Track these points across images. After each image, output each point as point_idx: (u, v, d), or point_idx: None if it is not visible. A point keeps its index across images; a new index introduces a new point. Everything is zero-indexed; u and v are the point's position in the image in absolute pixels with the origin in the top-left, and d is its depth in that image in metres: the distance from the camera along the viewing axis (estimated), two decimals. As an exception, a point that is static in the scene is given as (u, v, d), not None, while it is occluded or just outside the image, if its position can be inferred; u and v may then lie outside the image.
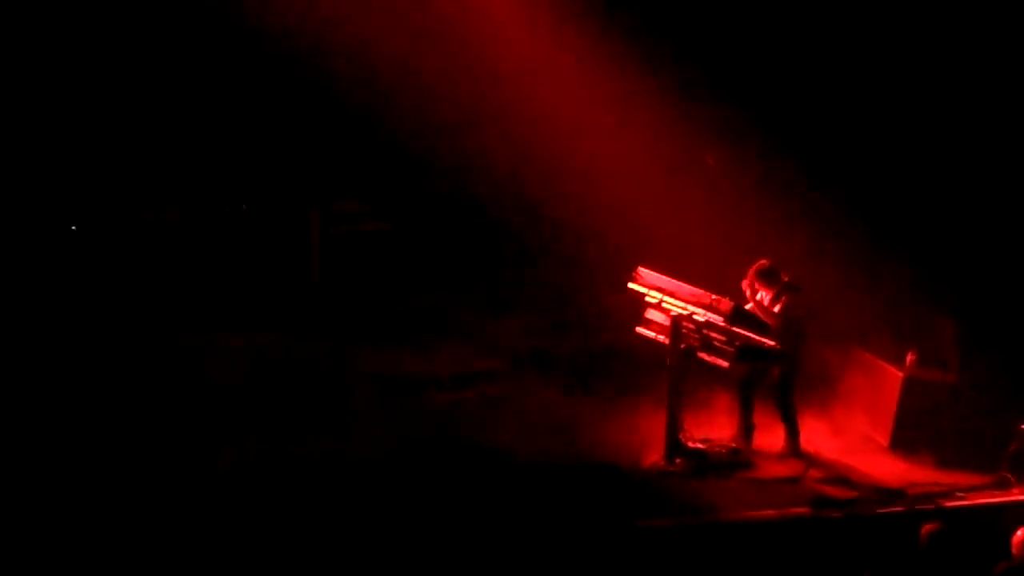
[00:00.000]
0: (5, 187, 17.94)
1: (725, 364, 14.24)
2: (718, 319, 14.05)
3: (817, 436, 15.23)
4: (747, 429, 14.97)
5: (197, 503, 13.01)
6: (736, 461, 14.63)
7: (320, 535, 12.59)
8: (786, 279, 14.71)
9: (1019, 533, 11.70)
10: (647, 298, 14.45)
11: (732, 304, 14.07)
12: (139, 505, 12.93)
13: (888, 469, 14.72)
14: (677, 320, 14.24)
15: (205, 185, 18.80)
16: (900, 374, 15.32)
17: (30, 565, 11.97)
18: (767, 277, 14.70)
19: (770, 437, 15.01)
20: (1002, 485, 14.42)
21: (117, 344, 16.72)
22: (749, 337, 14.09)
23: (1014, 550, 11.67)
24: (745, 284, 14.76)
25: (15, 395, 14.98)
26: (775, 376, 14.78)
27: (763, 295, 14.71)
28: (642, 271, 14.49)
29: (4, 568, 11.88)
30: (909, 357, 15.47)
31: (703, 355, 14.31)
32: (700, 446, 14.61)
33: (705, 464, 14.44)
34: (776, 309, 14.54)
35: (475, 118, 18.83)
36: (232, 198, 18.69)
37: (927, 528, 11.88)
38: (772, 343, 14.22)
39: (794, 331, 14.57)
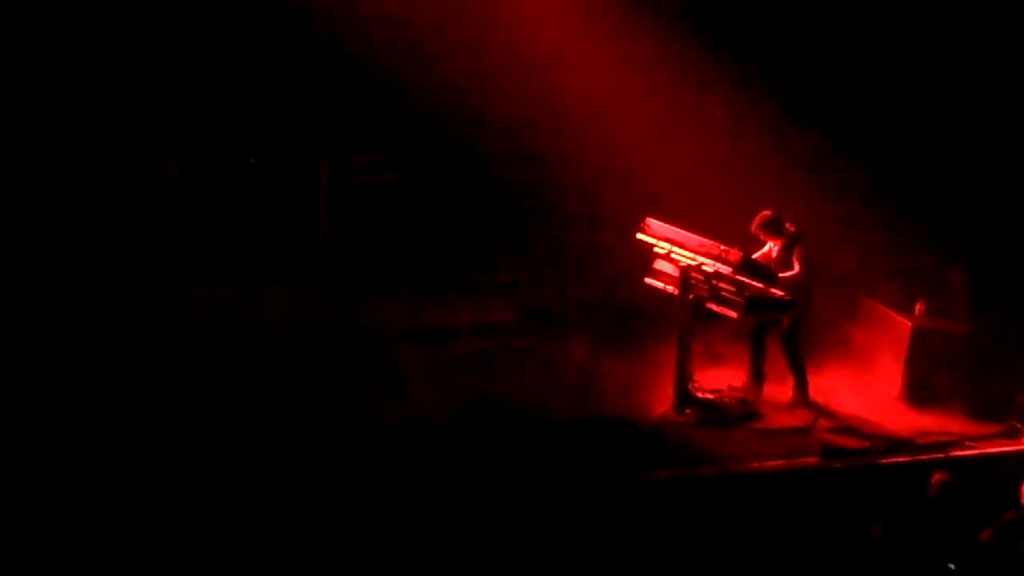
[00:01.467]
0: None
1: (734, 314, 14.25)
2: (727, 269, 14.05)
3: (826, 386, 15.24)
4: (757, 379, 14.99)
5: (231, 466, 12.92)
6: (745, 412, 14.65)
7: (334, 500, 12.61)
8: (792, 228, 14.68)
9: (1025, 486, 11.74)
10: (656, 249, 14.45)
11: (741, 254, 14.06)
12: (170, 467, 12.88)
13: (897, 419, 14.75)
14: (686, 271, 14.24)
15: (211, 137, 18.69)
16: (909, 324, 15.33)
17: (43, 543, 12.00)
18: (772, 227, 14.69)
19: (779, 387, 15.03)
20: (1011, 434, 14.45)
21: (124, 299, 16.68)
22: (757, 287, 14.07)
23: (1023, 499, 11.70)
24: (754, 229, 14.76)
25: (15, 355, 14.94)
26: (784, 326, 14.77)
27: (771, 246, 14.69)
28: (651, 222, 14.48)
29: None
30: (918, 307, 15.47)
31: (712, 306, 14.32)
32: (709, 396, 14.63)
33: (714, 415, 14.47)
34: (794, 262, 14.50)
35: (488, 69, 18.72)
36: (240, 150, 18.60)
37: (936, 477, 11.92)
38: (781, 293, 14.22)
39: (810, 279, 14.56)
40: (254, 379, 14.92)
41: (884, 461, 13.85)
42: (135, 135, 18.32)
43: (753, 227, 14.72)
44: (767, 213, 14.74)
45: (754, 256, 14.55)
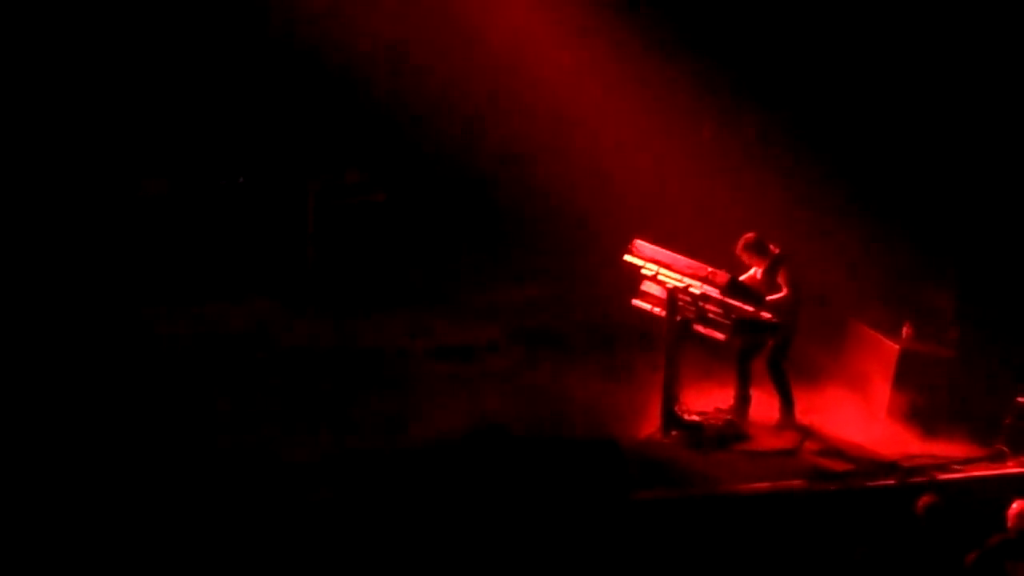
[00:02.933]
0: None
1: (721, 336, 14.25)
2: (714, 291, 14.05)
3: (813, 408, 15.24)
4: (743, 401, 14.97)
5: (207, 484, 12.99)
6: (732, 433, 14.63)
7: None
8: (776, 250, 14.68)
9: (1014, 506, 11.74)
10: (643, 270, 14.44)
11: (728, 276, 14.06)
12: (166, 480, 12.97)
13: (884, 442, 14.74)
14: (673, 292, 14.23)
15: (200, 157, 18.68)
16: (896, 347, 15.33)
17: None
18: (756, 249, 14.69)
19: (766, 409, 15.01)
20: (998, 458, 14.45)
21: (113, 319, 16.65)
22: (745, 309, 14.07)
23: (1009, 523, 11.70)
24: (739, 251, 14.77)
25: (5, 374, 14.91)
26: (770, 348, 14.77)
27: (756, 269, 14.69)
28: (639, 243, 14.48)
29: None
30: (905, 330, 15.47)
31: (699, 327, 14.31)
32: (696, 418, 14.62)
33: (701, 436, 14.45)
34: (781, 285, 14.51)
35: (475, 90, 18.75)
36: (228, 170, 18.59)
37: (923, 501, 11.93)
38: (768, 315, 14.23)
39: (795, 301, 14.56)
40: (242, 400, 14.89)
41: (870, 484, 13.84)
42: (124, 153, 18.31)
43: (737, 249, 14.73)
44: (750, 235, 14.74)
45: (740, 279, 14.55)
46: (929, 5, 17.52)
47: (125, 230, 17.86)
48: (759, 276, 14.65)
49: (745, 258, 14.73)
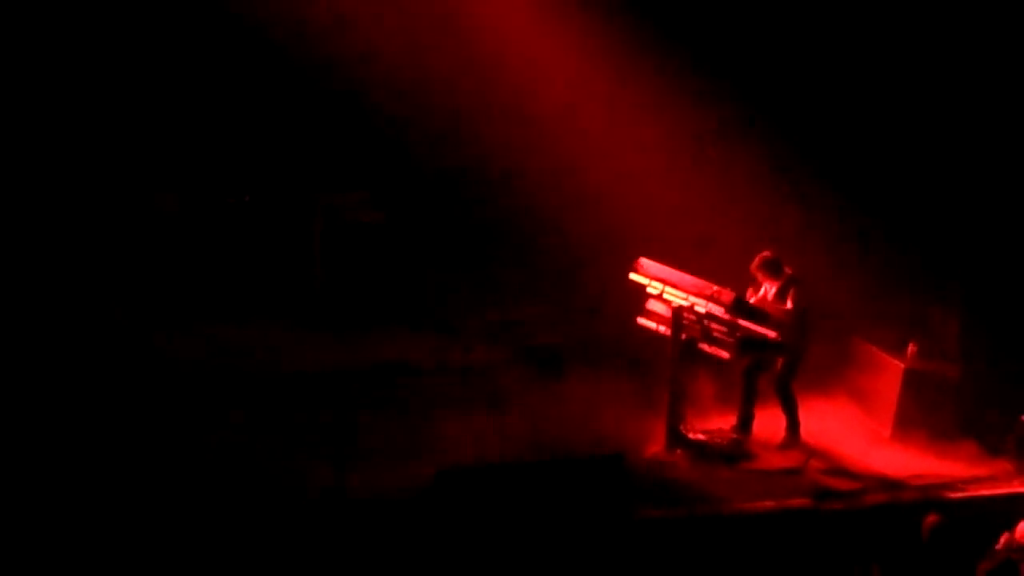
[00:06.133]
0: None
1: (726, 355, 14.25)
2: (719, 310, 14.06)
3: (818, 427, 15.23)
4: (747, 419, 14.98)
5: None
6: (737, 452, 14.63)
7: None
8: (789, 270, 14.70)
9: (1021, 525, 11.73)
10: (649, 289, 14.45)
11: (734, 295, 14.09)
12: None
13: (889, 460, 14.74)
14: (678, 311, 14.24)
15: (208, 174, 18.72)
16: (901, 365, 15.35)
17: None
18: (771, 269, 14.70)
19: (771, 428, 15.01)
20: (1003, 476, 14.42)
21: (119, 335, 16.66)
22: (750, 328, 14.08)
23: (1018, 540, 11.69)
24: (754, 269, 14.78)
25: (10, 389, 14.90)
26: (777, 367, 14.77)
27: (768, 287, 14.70)
28: (643, 261, 14.50)
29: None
30: (910, 348, 15.48)
31: (704, 346, 14.32)
32: (701, 437, 14.62)
33: (706, 455, 14.45)
34: (788, 302, 14.51)
35: (476, 108, 18.76)
36: (235, 188, 18.62)
37: (929, 519, 11.91)
38: (773, 334, 14.23)
39: (803, 322, 14.56)
40: (248, 424, 14.87)
41: (876, 503, 13.83)
42: (133, 170, 18.35)
43: (752, 267, 14.75)
44: (767, 254, 14.76)
45: (751, 297, 14.56)
46: (937, 27, 17.51)
47: (134, 246, 17.89)
48: (770, 296, 14.66)
49: (760, 276, 14.76)
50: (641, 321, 14.60)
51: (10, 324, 16.20)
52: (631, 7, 18.40)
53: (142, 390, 15.39)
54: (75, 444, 13.98)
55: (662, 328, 14.42)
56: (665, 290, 14.36)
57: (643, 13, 18.35)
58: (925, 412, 15.18)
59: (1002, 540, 11.78)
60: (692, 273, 14.37)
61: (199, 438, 14.41)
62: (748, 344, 14.25)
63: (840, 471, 14.48)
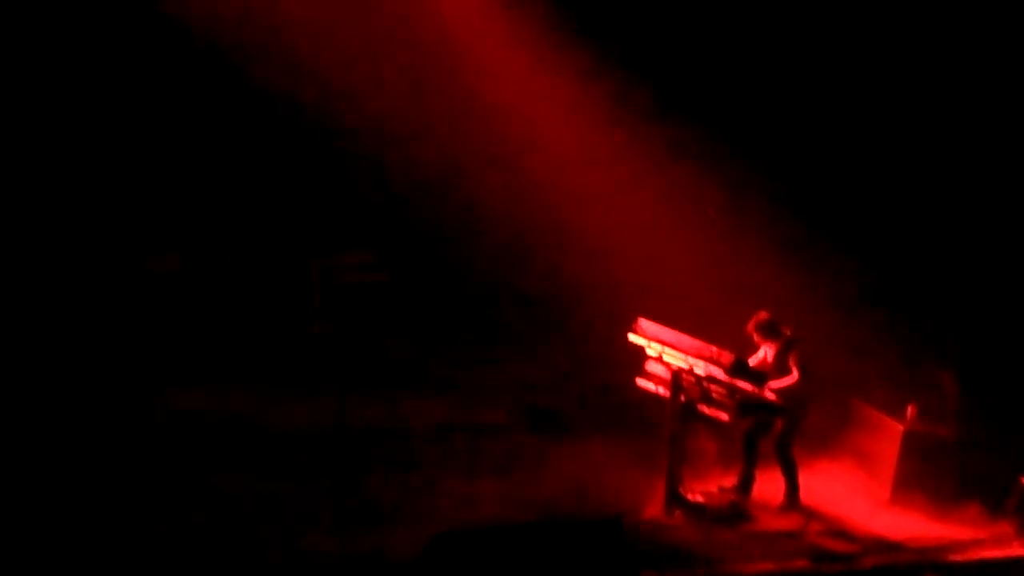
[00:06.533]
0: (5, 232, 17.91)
1: (725, 417, 14.24)
2: (719, 372, 14.06)
3: (818, 489, 15.20)
4: (747, 481, 14.95)
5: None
6: (736, 514, 14.60)
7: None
8: (788, 332, 14.71)
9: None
10: (648, 350, 14.46)
11: (733, 357, 14.07)
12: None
13: (889, 522, 14.70)
14: (678, 373, 14.24)
15: (207, 234, 18.80)
16: (901, 427, 15.32)
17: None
18: (768, 331, 14.71)
19: (770, 489, 14.98)
20: (1004, 539, 14.40)
21: (121, 395, 16.69)
22: (749, 391, 14.09)
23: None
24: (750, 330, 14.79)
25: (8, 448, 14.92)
26: (777, 429, 14.77)
27: (767, 349, 14.71)
28: (643, 323, 14.50)
29: None
30: (910, 410, 15.47)
31: (704, 408, 14.30)
32: (700, 499, 14.59)
33: (705, 517, 14.42)
34: (792, 368, 14.51)
35: (476, 167, 18.85)
36: (234, 247, 18.70)
37: (928, 583, 11.91)
38: (773, 396, 14.24)
39: (803, 384, 14.56)
40: (247, 481, 14.88)
41: (875, 565, 13.81)
42: (135, 230, 18.44)
43: (749, 329, 14.76)
44: (764, 315, 14.77)
45: (750, 359, 14.57)
46: (931, 65, 17.65)
47: (133, 306, 17.94)
48: (770, 358, 14.67)
49: (756, 338, 14.76)
50: (640, 382, 14.59)
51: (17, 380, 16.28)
52: (635, 69, 18.53)
53: (139, 449, 15.41)
54: (73, 506, 13.99)
55: (661, 390, 14.42)
56: (664, 351, 14.36)
57: (653, 79, 18.50)
58: (925, 474, 15.14)
59: None
60: (692, 334, 14.37)
61: (194, 499, 14.39)
62: (748, 406, 14.25)
63: (840, 533, 14.44)
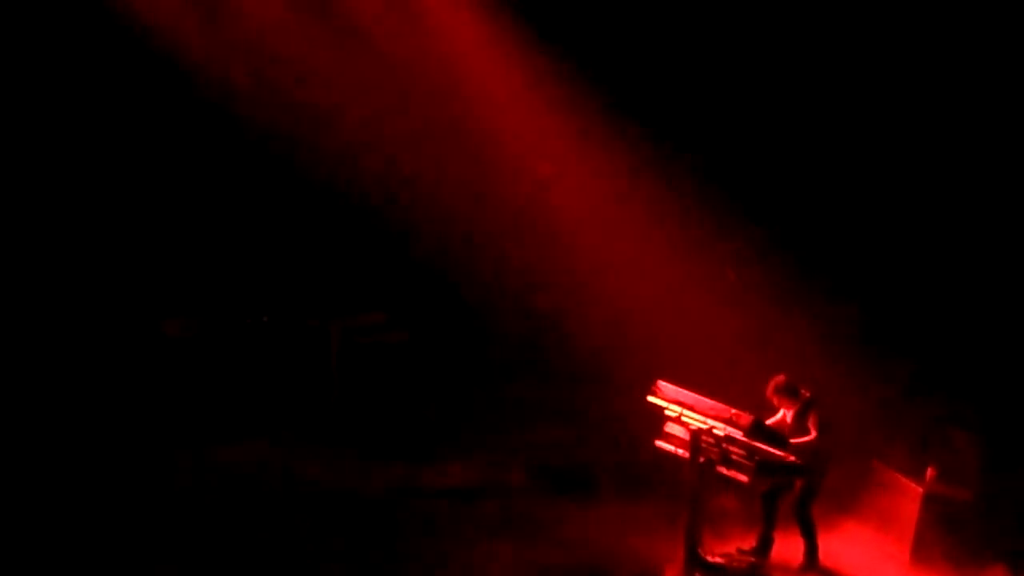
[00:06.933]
0: (23, 300, 18.01)
1: (744, 479, 14.21)
2: (738, 433, 14.06)
3: (837, 550, 15.17)
4: (766, 543, 14.93)
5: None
6: (755, 575, 14.57)
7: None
8: (806, 393, 14.73)
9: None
10: (667, 411, 14.48)
11: (752, 418, 14.07)
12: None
13: (908, 585, 14.69)
14: (697, 434, 14.24)
15: (225, 297, 18.90)
16: (920, 489, 15.30)
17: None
18: (787, 392, 14.73)
19: (790, 551, 14.95)
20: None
21: (138, 458, 16.74)
22: (769, 452, 14.09)
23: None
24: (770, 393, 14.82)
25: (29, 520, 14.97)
26: (796, 490, 14.76)
27: (785, 411, 14.73)
28: (661, 384, 14.52)
29: None
30: (929, 472, 15.46)
31: (723, 469, 14.30)
32: (719, 560, 14.55)
33: (724, 578, 14.41)
34: (811, 430, 14.52)
35: (492, 227, 18.94)
36: (252, 309, 18.78)
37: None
38: (792, 458, 14.24)
39: (824, 445, 14.56)
40: (265, 543, 14.90)
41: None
42: (149, 295, 18.53)
43: (768, 392, 14.78)
44: (781, 378, 14.79)
45: (769, 421, 14.58)
46: (928, 90, 17.76)
47: (149, 369, 18.02)
48: (789, 420, 14.69)
49: (775, 401, 14.78)
50: (659, 444, 14.60)
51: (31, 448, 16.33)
52: (649, 123, 18.65)
53: (159, 508, 15.45)
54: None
55: (680, 451, 14.42)
56: (683, 413, 14.38)
57: (671, 140, 18.62)
58: (945, 537, 15.09)
59: None
60: (711, 396, 14.39)
61: (211, 562, 14.42)
62: (767, 467, 14.22)
63: (858, 596, 14.44)
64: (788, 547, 14.94)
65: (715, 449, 14.26)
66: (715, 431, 14.18)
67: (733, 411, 14.13)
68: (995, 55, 17.66)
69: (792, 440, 14.32)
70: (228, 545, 14.79)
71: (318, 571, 14.33)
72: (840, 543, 15.32)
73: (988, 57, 17.74)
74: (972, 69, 17.90)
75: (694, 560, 14.39)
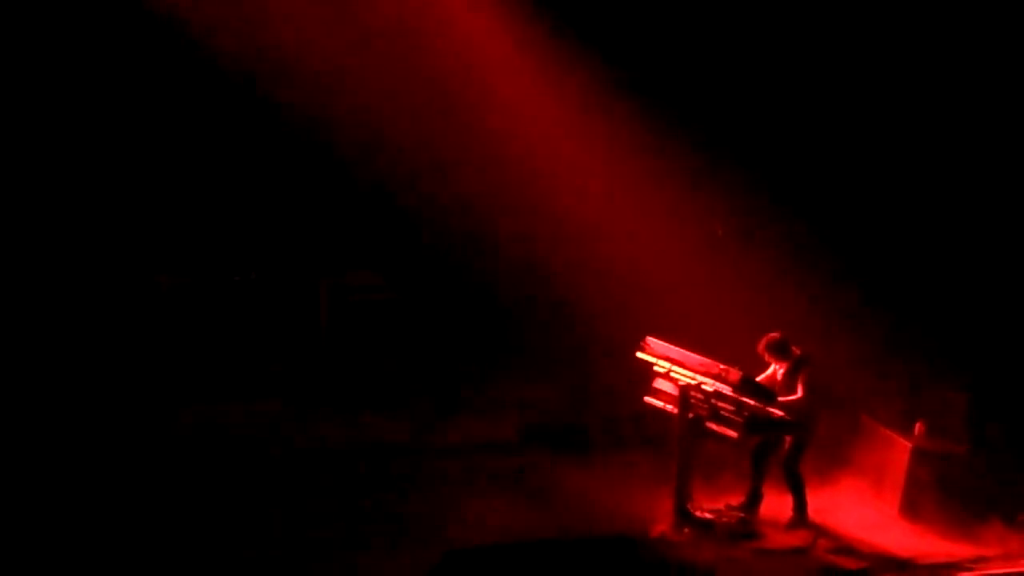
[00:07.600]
0: (13, 249, 17.96)
1: (734, 434, 14.24)
2: (727, 389, 14.07)
3: (826, 505, 15.19)
4: (755, 498, 14.94)
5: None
6: (745, 531, 14.57)
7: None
8: (798, 351, 14.72)
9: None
10: (655, 367, 14.48)
11: (741, 374, 14.08)
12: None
13: (897, 539, 14.68)
14: (686, 390, 14.25)
15: (215, 252, 18.84)
16: (909, 444, 15.32)
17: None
18: (779, 350, 14.72)
19: (779, 506, 14.97)
20: (1015, 555, 14.38)
21: (123, 413, 16.72)
22: (758, 407, 14.10)
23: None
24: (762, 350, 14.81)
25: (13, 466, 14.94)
26: (785, 446, 14.77)
27: (776, 368, 14.73)
28: (651, 340, 14.52)
29: None
30: (918, 427, 15.47)
31: (712, 425, 14.31)
32: (708, 516, 14.57)
33: (713, 534, 14.40)
34: (798, 388, 14.52)
35: (485, 187, 18.87)
36: (242, 266, 18.74)
37: (937, 599, 11.89)
38: (781, 413, 14.24)
39: (812, 402, 14.57)
40: (252, 499, 14.93)
41: (885, 582, 13.83)
42: (142, 249, 18.48)
43: (760, 348, 14.77)
44: (774, 335, 14.77)
45: (760, 378, 14.58)
46: (933, 82, 17.72)
47: (140, 325, 17.98)
48: (779, 377, 14.68)
49: (767, 357, 14.77)
50: (648, 400, 14.61)
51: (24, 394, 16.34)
52: (648, 94, 18.58)
53: (146, 467, 15.46)
54: (91, 520, 14.11)
55: (669, 407, 14.43)
56: (672, 369, 14.39)
57: (664, 100, 18.56)
58: (934, 491, 15.13)
59: None
60: (701, 352, 14.39)
61: (198, 517, 14.42)
62: (756, 423, 14.24)
63: (848, 550, 14.41)
64: (777, 502, 14.96)
65: (704, 405, 14.28)
66: (704, 387, 14.20)
67: (722, 366, 14.14)
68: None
69: (780, 399, 14.33)
70: (206, 499, 14.83)
71: (313, 529, 14.32)
72: (829, 498, 15.35)
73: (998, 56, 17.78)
74: (972, 69, 17.90)
75: (684, 516, 14.42)
